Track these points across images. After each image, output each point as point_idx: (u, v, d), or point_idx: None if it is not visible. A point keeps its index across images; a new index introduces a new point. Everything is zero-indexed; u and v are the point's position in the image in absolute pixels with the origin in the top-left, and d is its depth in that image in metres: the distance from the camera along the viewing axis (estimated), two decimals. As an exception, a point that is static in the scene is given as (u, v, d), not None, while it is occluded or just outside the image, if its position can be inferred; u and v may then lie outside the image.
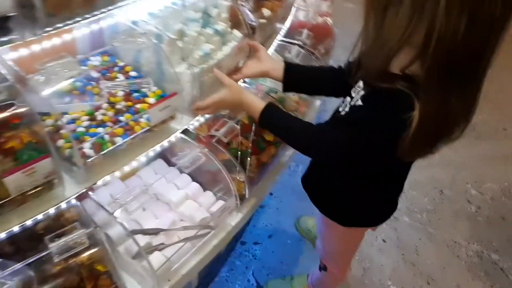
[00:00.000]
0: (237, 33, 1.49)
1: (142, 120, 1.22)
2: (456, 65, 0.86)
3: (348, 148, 1.07)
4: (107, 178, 1.20)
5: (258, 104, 1.22)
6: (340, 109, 1.19)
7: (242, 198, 1.44)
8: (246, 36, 1.50)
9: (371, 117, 1.01)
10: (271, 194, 2.61)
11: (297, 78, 1.39)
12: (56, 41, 1.25)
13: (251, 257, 2.28)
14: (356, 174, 1.24)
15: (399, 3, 0.85)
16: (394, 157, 1.00)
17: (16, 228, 1.04)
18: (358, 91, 1.11)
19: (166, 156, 1.52)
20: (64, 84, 1.23)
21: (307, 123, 1.16)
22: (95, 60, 1.34)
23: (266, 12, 1.70)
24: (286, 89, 1.41)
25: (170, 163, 1.51)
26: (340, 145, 1.09)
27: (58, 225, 1.18)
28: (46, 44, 1.21)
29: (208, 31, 1.39)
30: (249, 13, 1.62)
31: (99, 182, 1.19)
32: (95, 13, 1.14)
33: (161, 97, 1.27)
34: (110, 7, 1.17)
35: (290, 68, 1.37)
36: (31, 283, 1.08)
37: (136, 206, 1.39)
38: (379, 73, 0.96)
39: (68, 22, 1.07)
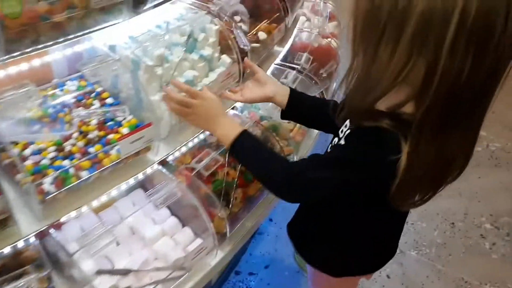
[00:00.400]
0: (226, 58, 1.40)
1: (112, 152, 1.14)
2: (458, 106, 0.77)
3: (323, 190, 0.97)
4: (73, 214, 1.12)
5: (233, 129, 1.06)
6: (329, 149, 1.09)
7: (223, 236, 1.34)
8: (236, 62, 1.41)
9: (352, 156, 0.90)
10: (270, 220, 2.50)
11: (300, 107, 1.28)
12: (26, 65, 1.19)
13: (245, 288, 2.17)
14: (346, 218, 1.12)
15: (395, 39, 0.74)
16: (382, 203, 0.90)
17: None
18: (345, 131, 1.01)
19: (145, 186, 1.43)
20: (35, 111, 1.16)
21: (283, 159, 1.03)
22: (72, 85, 1.27)
23: (261, 35, 1.61)
24: (284, 116, 1.30)
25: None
26: (314, 186, 0.97)
27: (15, 264, 1.10)
28: (18, 67, 1.14)
29: (193, 56, 1.30)
30: (242, 36, 1.53)
31: (63, 218, 1.11)
32: (69, 37, 1.08)
33: (136, 127, 1.19)
34: (84, 31, 1.09)
35: (295, 96, 1.26)
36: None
37: (109, 240, 1.30)
38: (365, 112, 0.86)
39: (37, 47, 1.00)
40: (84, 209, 1.18)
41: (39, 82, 1.25)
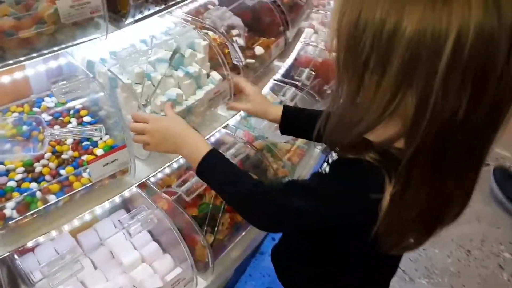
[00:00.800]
0: (215, 75, 1.32)
1: (85, 175, 1.07)
2: (453, 148, 0.66)
3: (294, 220, 0.86)
4: (41, 239, 1.05)
5: (200, 148, 0.96)
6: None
7: (206, 264, 1.25)
8: (227, 79, 1.33)
9: (330, 188, 0.81)
10: (273, 239, 2.39)
11: (295, 120, 1.21)
12: (4, 79, 1.14)
13: (242, 312, 2.07)
14: (326, 254, 1.02)
15: (381, 69, 0.63)
16: (365, 245, 0.79)
17: None
18: (333, 156, 0.91)
19: (128, 208, 1.36)
20: (9, 128, 1.11)
21: (256, 181, 0.93)
22: (50, 101, 1.21)
23: (258, 50, 1.53)
24: (283, 132, 1.24)
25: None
26: (283, 214, 0.86)
27: (-23, 291, 1.04)
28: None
29: (179, 73, 1.23)
30: (237, 51, 1.45)
31: (31, 243, 1.05)
32: (44, 52, 1.02)
33: (111, 149, 1.12)
34: (58, 47, 1.04)
35: (288, 110, 1.21)
36: None
37: (86, 264, 1.24)
38: (348, 144, 0.76)
39: (7, 62, 0.95)
40: (54, 233, 1.12)
41: (16, 97, 1.21)
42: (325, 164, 0.96)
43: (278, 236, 2.33)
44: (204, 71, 1.30)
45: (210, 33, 1.45)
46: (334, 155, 0.92)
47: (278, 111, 1.20)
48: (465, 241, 2.48)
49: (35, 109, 1.19)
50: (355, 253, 0.95)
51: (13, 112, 1.19)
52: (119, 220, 1.13)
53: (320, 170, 1.00)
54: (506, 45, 0.57)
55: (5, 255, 0.99)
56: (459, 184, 0.73)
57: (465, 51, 0.56)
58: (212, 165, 0.95)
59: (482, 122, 0.63)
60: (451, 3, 0.56)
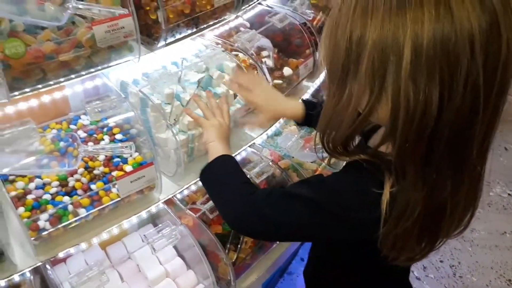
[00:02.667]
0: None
1: (114, 190, 1.12)
2: (437, 145, 0.67)
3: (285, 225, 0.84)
4: (71, 250, 1.11)
5: (215, 154, 1.04)
6: None
7: (228, 283, 1.26)
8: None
9: (332, 180, 0.84)
10: (302, 259, 2.36)
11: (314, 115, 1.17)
12: (46, 98, 1.23)
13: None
14: (347, 264, 1.00)
15: (354, 75, 0.68)
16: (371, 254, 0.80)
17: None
18: None
19: (156, 222, 1.40)
20: (47, 144, 1.19)
21: (252, 185, 0.94)
22: (86, 119, 1.28)
23: (286, 71, 1.55)
24: (303, 123, 1.23)
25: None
26: (271, 218, 0.85)
27: (11, 297, 1.10)
28: (28, 103, 1.18)
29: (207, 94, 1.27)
30: (266, 72, 1.48)
31: (62, 254, 1.10)
32: (82, 73, 1.09)
33: (139, 165, 1.17)
34: (94, 69, 1.11)
35: (309, 102, 1.21)
36: None
37: (114, 276, 1.29)
38: (342, 148, 0.79)
39: (39, 86, 1.02)
40: (84, 245, 1.17)
41: (56, 115, 1.29)
42: None
43: (307, 255, 2.30)
44: (232, 92, 1.33)
45: (240, 54, 1.50)
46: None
47: (295, 107, 1.19)
48: (506, 269, 2.34)
49: (72, 126, 1.27)
50: (371, 267, 0.94)
51: (52, 128, 1.27)
52: (144, 235, 1.17)
53: None
54: (467, 42, 0.59)
55: (38, 265, 1.05)
56: (454, 187, 0.72)
57: (423, 48, 0.60)
58: (219, 164, 1.01)
59: (460, 120, 0.64)
60: (404, 10, 0.61)
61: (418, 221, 0.73)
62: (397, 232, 0.74)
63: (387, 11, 0.62)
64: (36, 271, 1.10)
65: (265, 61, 1.55)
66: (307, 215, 0.81)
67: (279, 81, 1.49)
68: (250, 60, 1.49)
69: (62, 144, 1.20)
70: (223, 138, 1.10)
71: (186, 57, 1.34)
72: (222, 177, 0.99)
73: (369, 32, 0.64)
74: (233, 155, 1.37)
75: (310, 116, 1.18)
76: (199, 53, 1.35)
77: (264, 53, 1.61)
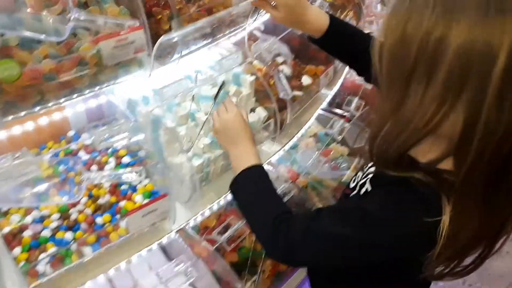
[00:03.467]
0: (261, 111, 1.23)
1: (122, 224, 1.00)
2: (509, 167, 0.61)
3: (324, 248, 0.77)
4: (74, 291, 0.99)
5: (247, 158, 0.92)
6: (351, 185, 0.91)
7: (245, 318, 1.16)
8: (273, 117, 1.23)
9: (377, 211, 0.72)
10: None
11: (339, 35, 1.02)
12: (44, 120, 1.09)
13: None
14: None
15: (426, 78, 0.60)
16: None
17: None
18: (366, 171, 0.86)
19: (164, 250, 1.29)
20: (45, 168, 1.05)
21: (286, 213, 0.83)
22: (88, 138, 1.14)
23: (305, 80, 1.42)
24: (316, 41, 1.03)
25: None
26: (311, 239, 0.77)
27: None
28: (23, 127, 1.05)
29: (223, 111, 1.14)
30: (284, 82, 1.35)
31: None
32: (85, 92, 0.95)
33: (151, 195, 1.05)
34: (98, 87, 0.97)
35: (335, 21, 1.00)
36: None
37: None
38: (393, 160, 0.69)
39: (36, 109, 0.89)
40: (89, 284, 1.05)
41: (56, 135, 1.15)
42: (358, 181, 0.88)
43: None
44: (250, 107, 1.21)
45: (256, 62, 1.36)
46: (370, 170, 0.85)
47: (318, 20, 0.98)
48: (518, 279, 2.29)
49: (73, 146, 1.13)
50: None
51: (50, 148, 1.14)
52: (157, 273, 1.05)
53: (352, 189, 0.90)
54: None
55: (37, 310, 0.93)
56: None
57: None
58: (247, 181, 0.89)
59: None
60: (503, 15, 0.54)
61: (472, 241, 0.68)
62: (449, 255, 0.69)
63: (479, 14, 0.55)
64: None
65: (282, 69, 1.42)
66: (353, 256, 0.76)
67: (299, 93, 1.36)
68: (267, 69, 1.36)
69: (61, 168, 1.06)
70: (249, 138, 0.98)
71: (200, 69, 1.20)
72: (255, 196, 0.88)
73: (453, 36, 0.56)
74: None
75: (332, 35, 0.99)
76: (214, 65, 1.21)
77: (279, 59, 1.48)
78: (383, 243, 0.72)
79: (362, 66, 1.01)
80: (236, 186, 0.91)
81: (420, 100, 0.61)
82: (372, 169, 0.83)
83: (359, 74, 1.07)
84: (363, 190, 0.83)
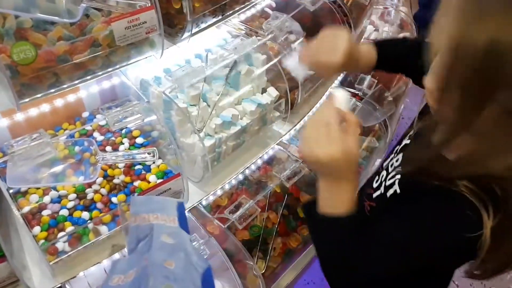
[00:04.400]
0: (272, 91, 1.22)
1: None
2: None
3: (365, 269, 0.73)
4: (92, 269, 1.02)
5: (347, 201, 0.73)
6: (374, 184, 0.90)
7: (257, 294, 1.19)
8: (283, 97, 1.23)
9: (417, 237, 0.69)
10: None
11: (389, 62, 1.01)
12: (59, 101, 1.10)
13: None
14: None
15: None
16: None
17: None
18: (395, 166, 0.85)
19: (178, 227, 1.31)
20: (61, 149, 1.07)
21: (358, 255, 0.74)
22: (102, 119, 1.15)
23: (317, 59, 1.40)
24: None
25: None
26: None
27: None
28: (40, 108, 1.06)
29: (235, 91, 1.14)
30: (295, 61, 1.34)
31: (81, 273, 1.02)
32: (98, 73, 0.96)
33: (164, 174, 1.06)
34: (112, 68, 0.97)
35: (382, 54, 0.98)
36: None
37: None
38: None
39: (51, 91, 0.89)
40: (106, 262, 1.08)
41: (71, 117, 1.16)
42: (381, 180, 0.88)
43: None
44: (262, 87, 1.20)
45: (268, 42, 1.35)
46: (395, 171, 0.83)
47: (367, 57, 0.96)
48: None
49: (87, 127, 1.14)
50: None
51: (65, 129, 1.15)
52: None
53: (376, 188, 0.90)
54: None
55: (57, 286, 0.97)
56: None
57: None
58: (337, 228, 0.74)
59: None
60: None
61: None
62: (492, 266, 0.68)
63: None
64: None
65: (295, 48, 1.40)
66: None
67: (311, 72, 1.34)
68: (279, 47, 1.35)
69: (77, 149, 1.08)
70: (356, 175, 0.76)
71: (210, 48, 1.19)
72: (337, 245, 0.75)
73: None
74: (260, 155, 1.27)
75: (382, 66, 0.98)
76: (224, 43, 1.21)
77: (291, 37, 1.46)
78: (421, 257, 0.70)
79: (416, 74, 0.89)
80: (321, 224, 0.76)
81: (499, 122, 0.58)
82: (399, 169, 0.81)
83: (415, 82, 1.03)
84: (391, 191, 0.81)
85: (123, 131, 1.14)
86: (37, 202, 1.00)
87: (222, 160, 1.20)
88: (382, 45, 0.99)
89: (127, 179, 1.06)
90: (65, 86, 0.92)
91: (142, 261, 0.49)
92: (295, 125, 1.39)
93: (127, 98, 1.06)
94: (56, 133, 1.13)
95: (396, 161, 0.86)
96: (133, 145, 1.12)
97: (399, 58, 1.01)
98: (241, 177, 1.32)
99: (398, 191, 0.79)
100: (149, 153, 1.07)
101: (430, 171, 0.67)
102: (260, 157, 1.30)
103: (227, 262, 1.14)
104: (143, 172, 1.08)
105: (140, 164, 1.09)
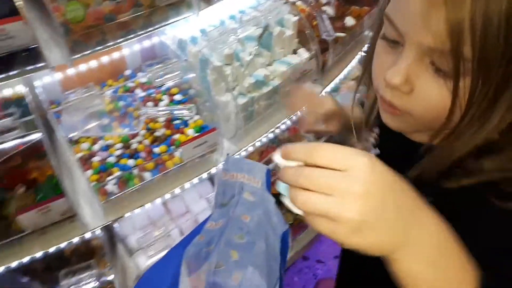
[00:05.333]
0: (303, 52, 1.27)
1: (176, 154, 1.11)
2: None
3: None
4: (137, 211, 1.14)
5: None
6: None
7: (285, 242, 1.28)
8: (315, 57, 1.27)
9: None
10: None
11: None
12: (104, 58, 1.20)
13: (311, 275, 2.13)
14: None
15: None
16: None
17: (39, 254, 1.04)
18: None
19: (213, 180, 1.41)
20: (107, 103, 1.18)
21: None
22: (143, 76, 1.25)
23: (348, 21, 1.43)
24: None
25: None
26: None
27: (85, 249, 1.17)
28: (90, 64, 1.16)
29: (267, 51, 1.19)
30: (327, 23, 1.37)
31: (127, 215, 1.14)
32: (139, 33, 1.04)
33: (201, 129, 1.15)
34: (152, 28, 1.05)
35: None
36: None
37: (174, 231, 1.33)
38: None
39: (99, 48, 0.99)
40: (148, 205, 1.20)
41: (113, 75, 1.26)
42: None
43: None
44: (293, 48, 1.25)
45: (299, 3, 1.38)
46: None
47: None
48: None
49: (130, 84, 1.24)
50: None
51: (109, 86, 1.26)
52: (207, 198, 1.18)
53: None
54: None
55: (107, 224, 1.09)
56: None
57: None
58: None
59: None
60: None
61: None
62: None
63: None
64: (104, 229, 1.15)
65: (325, 10, 1.43)
66: None
67: (342, 34, 1.38)
68: (310, 9, 1.38)
69: (121, 103, 1.19)
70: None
71: (244, 9, 1.25)
72: None
73: None
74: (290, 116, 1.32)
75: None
76: (257, 5, 1.25)
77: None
78: None
79: None
80: None
81: None
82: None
83: None
84: None
85: (163, 88, 1.23)
86: (87, 150, 1.12)
87: (254, 119, 1.27)
88: None
89: (168, 132, 1.16)
90: (110, 44, 1.01)
91: (230, 213, 0.56)
92: (325, 88, 1.43)
93: (166, 57, 1.14)
94: (102, 89, 1.24)
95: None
96: (172, 102, 1.21)
97: None
98: (271, 136, 1.39)
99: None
100: (187, 109, 1.16)
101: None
102: (290, 118, 1.37)
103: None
104: (182, 126, 1.17)
105: (179, 119, 1.18)
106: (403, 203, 0.42)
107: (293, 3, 1.34)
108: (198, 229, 0.57)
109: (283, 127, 1.46)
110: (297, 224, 1.30)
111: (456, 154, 0.51)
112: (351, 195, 0.39)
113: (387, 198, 0.40)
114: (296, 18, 1.24)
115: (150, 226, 1.11)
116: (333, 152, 0.40)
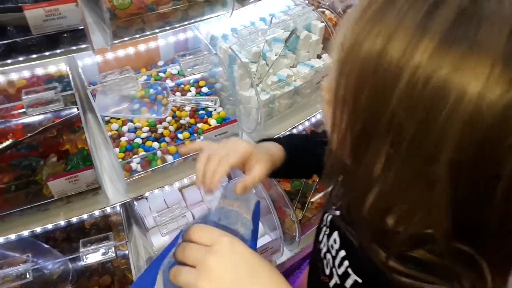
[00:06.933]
0: (327, 57, 1.33)
1: (198, 141, 1.18)
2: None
3: None
4: (156, 191, 1.20)
5: None
6: (326, 271, 0.66)
7: (292, 239, 1.33)
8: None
9: None
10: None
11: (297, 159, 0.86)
12: (140, 47, 1.28)
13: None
14: None
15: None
16: None
17: (62, 223, 1.11)
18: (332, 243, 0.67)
19: (229, 174, 1.47)
20: (139, 90, 1.26)
21: None
22: (174, 68, 1.33)
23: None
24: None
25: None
26: None
27: (103, 224, 1.24)
28: (128, 50, 1.24)
29: (292, 54, 1.26)
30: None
31: (146, 194, 1.21)
32: (175, 25, 1.12)
33: (223, 120, 1.22)
34: (187, 22, 1.13)
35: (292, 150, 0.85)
36: (68, 274, 1.17)
37: (188, 217, 1.39)
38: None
39: (137, 35, 1.07)
40: (167, 188, 1.26)
41: (147, 64, 1.35)
42: (330, 266, 0.65)
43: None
44: (318, 53, 1.31)
45: (327, 12, 1.45)
46: (340, 254, 0.63)
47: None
48: None
49: (161, 74, 1.32)
50: None
51: (143, 74, 1.34)
52: (222, 185, 1.23)
53: (329, 276, 0.65)
54: None
55: (127, 200, 1.16)
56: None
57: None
58: None
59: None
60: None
61: None
62: None
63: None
64: (124, 205, 1.22)
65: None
66: None
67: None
68: (337, 18, 1.45)
69: (152, 91, 1.26)
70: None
71: (274, 13, 1.32)
72: None
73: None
74: (307, 118, 1.38)
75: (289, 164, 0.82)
76: (287, 10, 1.33)
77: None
78: None
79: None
80: None
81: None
82: (342, 252, 0.62)
83: None
84: (349, 283, 0.59)
85: (191, 80, 1.31)
86: (117, 130, 1.20)
87: (274, 116, 1.33)
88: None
89: (192, 120, 1.23)
90: (147, 33, 1.09)
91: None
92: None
93: (198, 48, 1.22)
94: (136, 76, 1.32)
95: (334, 241, 0.66)
96: (198, 93, 1.28)
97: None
98: (288, 133, 1.45)
99: (360, 280, 0.59)
100: (211, 101, 1.23)
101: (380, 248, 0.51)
102: (308, 119, 1.42)
103: (271, 207, 1.28)
104: (205, 116, 1.24)
105: (203, 109, 1.25)
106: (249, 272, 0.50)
107: (322, 12, 1.41)
108: (175, 242, 0.61)
109: (300, 127, 1.52)
110: (305, 222, 1.35)
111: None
112: (208, 268, 0.49)
113: (239, 270, 0.50)
114: (323, 24, 1.30)
115: (166, 211, 1.17)
116: (203, 231, 0.53)
